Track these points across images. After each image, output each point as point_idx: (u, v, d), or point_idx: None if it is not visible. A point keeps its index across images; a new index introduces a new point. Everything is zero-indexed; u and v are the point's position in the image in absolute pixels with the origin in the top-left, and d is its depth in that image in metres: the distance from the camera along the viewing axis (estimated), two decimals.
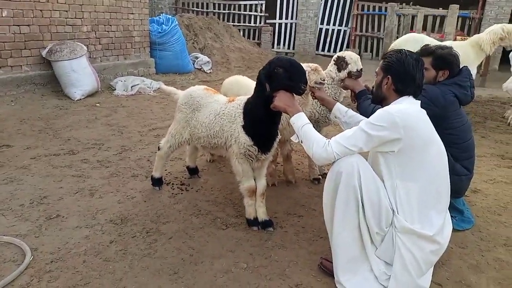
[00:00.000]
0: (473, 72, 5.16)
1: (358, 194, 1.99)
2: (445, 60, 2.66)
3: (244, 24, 14.25)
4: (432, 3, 12.19)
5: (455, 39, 8.50)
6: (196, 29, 10.71)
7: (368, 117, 2.10)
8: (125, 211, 2.87)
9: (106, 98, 6.53)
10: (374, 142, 1.97)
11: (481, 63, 7.34)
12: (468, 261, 2.43)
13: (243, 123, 2.55)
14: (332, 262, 2.14)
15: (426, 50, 2.70)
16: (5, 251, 2.34)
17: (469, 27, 12.62)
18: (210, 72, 9.53)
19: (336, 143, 2.03)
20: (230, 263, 2.32)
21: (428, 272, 2.09)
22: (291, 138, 2.32)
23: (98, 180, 3.37)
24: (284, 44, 14.46)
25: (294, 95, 2.35)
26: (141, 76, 7.96)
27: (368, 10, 13.43)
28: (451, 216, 2.27)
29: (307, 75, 2.55)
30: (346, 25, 13.81)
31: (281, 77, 2.31)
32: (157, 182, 3.25)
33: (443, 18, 10.32)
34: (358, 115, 2.55)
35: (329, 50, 13.97)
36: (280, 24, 14.34)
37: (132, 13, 8.00)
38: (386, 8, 11.94)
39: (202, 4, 14.51)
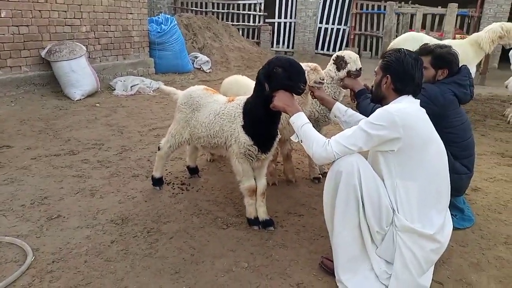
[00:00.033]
0: (473, 70, 5.18)
1: (358, 193, 1.99)
2: (444, 59, 2.66)
3: (243, 23, 14.25)
4: (431, 2, 12.19)
5: (454, 38, 8.51)
6: (195, 29, 10.71)
7: (367, 116, 2.11)
8: (126, 211, 2.88)
9: (105, 98, 6.53)
10: (374, 141, 1.98)
11: (481, 61, 7.34)
12: (469, 260, 2.44)
13: (242, 123, 2.55)
14: (332, 261, 2.15)
15: (425, 49, 2.71)
16: (6, 251, 2.34)
17: (468, 26, 12.64)
18: (209, 72, 9.53)
19: (336, 142, 2.03)
20: (231, 262, 2.32)
21: (429, 271, 2.09)
22: (291, 137, 2.32)
23: (99, 180, 3.37)
24: (283, 43, 14.47)
25: (294, 94, 2.36)
26: (141, 76, 7.96)
27: (367, 9, 13.43)
28: (452, 214, 2.28)
29: (306, 74, 2.56)
30: (345, 24, 13.81)
31: (280, 76, 2.32)
32: (157, 182, 3.26)
33: (442, 16, 10.32)
34: (358, 114, 2.55)
35: (328, 49, 13.98)
36: (279, 23, 14.35)
37: (131, 13, 8.00)
38: (385, 7, 11.93)
39: (201, 3, 14.51)
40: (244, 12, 14.23)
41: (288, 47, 14.40)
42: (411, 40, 5.64)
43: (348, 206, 2.02)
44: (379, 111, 2.01)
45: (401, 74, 2.08)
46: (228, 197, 3.17)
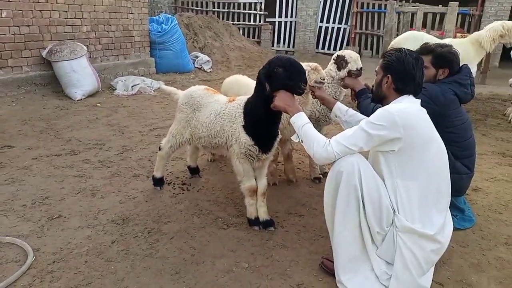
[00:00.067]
0: (473, 69, 5.16)
1: (359, 193, 1.99)
2: (445, 58, 2.66)
3: (244, 22, 14.24)
4: (432, 1, 12.17)
5: (455, 37, 8.49)
6: (195, 28, 10.71)
7: (368, 116, 2.10)
8: (126, 211, 2.88)
9: (106, 98, 6.53)
10: (374, 141, 1.98)
11: (481, 60, 7.32)
12: (469, 260, 2.43)
13: (243, 123, 2.55)
14: (333, 262, 2.15)
15: (425, 49, 2.70)
16: (7, 251, 2.35)
17: (469, 24, 12.61)
18: (210, 71, 9.53)
19: (337, 142, 2.03)
20: (231, 262, 2.32)
21: (429, 272, 2.09)
22: (291, 137, 2.32)
23: (100, 180, 3.38)
24: (284, 43, 14.46)
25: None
26: (142, 75, 7.96)
27: (368, 7, 13.41)
28: (452, 215, 2.27)
29: (307, 74, 2.55)
30: (346, 23, 13.80)
31: (281, 76, 2.31)
32: (158, 182, 3.26)
33: (442, 15, 10.30)
34: (359, 114, 2.55)
35: (329, 48, 13.98)
36: (279, 23, 14.34)
37: (131, 13, 8.00)
38: (385, 5, 11.89)
39: (202, 3, 14.50)
40: (244, 11, 14.22)
41: (288, 46, 14.39)
42: (412, 39, 5.63)
43: (348, 206, 2.01)
44: (379, 111, 2.01)
45: (402, 74, 2.07)
46: (228, 197, 3.17)
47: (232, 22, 13.50)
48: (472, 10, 12.25)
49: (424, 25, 9.71)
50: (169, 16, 9.13)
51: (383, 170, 2.04)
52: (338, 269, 2.10)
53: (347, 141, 2.01)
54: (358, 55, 3.11)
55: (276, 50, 14.00)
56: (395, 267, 2.01)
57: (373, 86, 2.32)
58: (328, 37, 13.95)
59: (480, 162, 4.00)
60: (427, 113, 2.09)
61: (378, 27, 13.22)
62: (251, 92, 2.58)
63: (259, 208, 2.71)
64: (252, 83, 2.72)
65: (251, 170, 2.65)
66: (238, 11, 14.23)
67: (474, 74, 3.12)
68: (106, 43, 7.50)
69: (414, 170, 1.99)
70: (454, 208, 2.71)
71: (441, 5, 10.60)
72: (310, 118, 2.42)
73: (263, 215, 2.70)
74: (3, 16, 5.69)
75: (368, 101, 2.60)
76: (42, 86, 6.31)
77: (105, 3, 7.33)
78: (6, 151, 3.93)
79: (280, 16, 14.27)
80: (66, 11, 6.59)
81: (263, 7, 14.06)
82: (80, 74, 6.19)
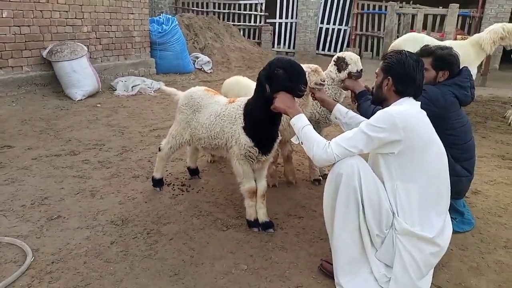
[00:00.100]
0: (474, 71, 5.16)
1: (359, 196, 1.99)
2: (445, 60, 2.66)
3: (244, 23, 14.25)
4: (432, 2, 12.18)
5: (455, 38, 8.49)
6: (196, 29, 10.71)
7: (368, 118, 2.10)
8: (126, 212, 2.88)
9: (107, 98, 6.53)
10: (374, 143, 1.98)
11: (482, 62, 7.33)
12: (468, 263, 2.43)
13: (243, 124, 2.55)
14: (332, 264, 2.15)
15: (426, 51, 2.70)
16: (6, 252, 2.35)
17: (469, 26, 12.62)
18: (210, 72, 9.53)
19: (336, 144, 2.03)
20: (230, 264, 2.32)
21: (428, 274, 2.09)
22: (291, 139, 2.32)
23: (99, 181, 3.37)
24: (284, 44, 14.47)
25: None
26: (142, 76, 7.97)
27: (368, 9, 13.43)
28: (451, 217, 2.27)
29: (307, 76, 2.55)
30: (346, 24, 13.81)
31: (281, 78, 2.31)
32: (158, 183, 3.26)
33: (443, 17, 10.30)
34: (359, 116, 2.55)
35: (329, 50, 13.99)
36: (280, 24, 14.35)
37: (132, 13, 8.00)
38: (386, 7, 11.91)
39: (202, 3, 14.51)
40: (245, 12, 14.23)
41: (289, 47, 14.40)
42: (412, 41, 5.64)
43: (348, 208, 2.01)
44: (379, 113, 2.01)
45: (403, 76, 2.07)
46: (228, 198, 3.17)
47: (232, 23, 13.52)
48: (473, 12, 12.26)
49: (424, 27, 9.73)
50: (170, 16, 9.13)
51: (382, 172, 2.04)
52: (337, 272, 2.09)
53: (347, 143, 2.01)
54: (359, 57, 3.11)
55: (277, 51, 14.00)
56: (394, 269, 2.01)
57: (373, 88, 2.32)
58: (329, 38, 13.96)
59: (479, 164, 4.00)
60: (427, 115, 2.09)
61: (379, 29, 13.23)
62: (251, 93, 2.58)
63: (258, 209, 2.71)
64: (252, 85, 2.72)
65: (251, 172, 2.65)
66: (239, 12, 14.24)
67: (474, 76, 3.13)
68: (106, 43, 7.50)
69: (414, 173, 1.99)
70: (454, 211, 2.71)
71: (441, 7, 10.62)
72: (310, 119, 2.42)
73: (263, 216, 2.70)
74: (3, 16, 5.69)
75: (368, 103, 2.60)
76: (42, 86, 6.31)
77: (105, 4, 7.34)
78: (6, 151, 3.93)
79: (280, 17, 14.27)
80: (66, 11, 6.60)
81: (263, 8, 14.07)
82: (80, 74, 6.19)
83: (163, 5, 14.40)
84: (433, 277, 2.15)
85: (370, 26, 13.48)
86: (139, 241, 2.52)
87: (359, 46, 13.56)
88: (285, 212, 2.99)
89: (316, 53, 13.90)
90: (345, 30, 13.85)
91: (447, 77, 2.67)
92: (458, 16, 9.82)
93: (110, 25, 7.53)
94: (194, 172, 3.54)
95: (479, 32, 6.08)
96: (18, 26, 5.91)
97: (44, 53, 6.21)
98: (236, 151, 2.58)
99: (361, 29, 13.61)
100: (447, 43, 5.06)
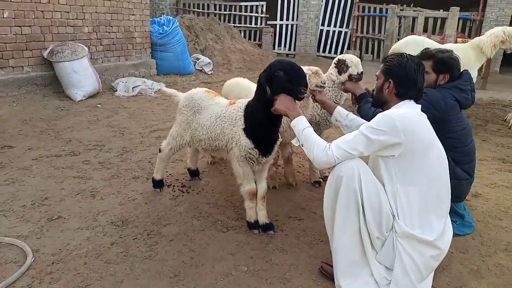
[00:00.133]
0: (474, 74, 5.16)
1: (359, 198, 1.99)
2: (446, 63, 2.66)
3: (245, 25, 14.28)
4: (433, 5, 12.21)
5: (456, 42, 8.51)
6: (197, 30, 10.73)
7: (368, 120, 2.11)
8: (126, 213, 2.88)
9: (107, 99, 6.54)
10: (375, 146, 1.98)
11: (482, 65, 7.33)
12: (469, 266, 2.43)
13: (244, 126, 2.56)
14: (332, 266, 2.15)
15: (426, 54, 2.71)
16: (6, 252, 2.35)
17: (470, 29, 12.65)
18: (211, 73, 9.54)
19: (337, 147, 2.03)
20: (230, 266, 2.32)
21: (429, 277, 2.09)
22: (291, 141, 2.33)
23: (99, 182, 3.37)
24: (285, 46, 14.49)
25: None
26: (142, 77, 7.97)
27: (369, 11, 13.46)
28: (452, 220, 2.27)
29: (307, 78, 2.56)
30: (347, 27, 13.83)
31: (282, 80, 2.32)
32: (158, 184, 3.26)
33: (443, 20, 10.31)
34: (359, 118, 2.55)
35: (330, 52, 14.01)
36: (281, 26, 14.37)
37: (133, 14, 8.01)
38: (386, 10, 11.96)
39: (203, 5, 14.54)
40: (246, 14, 14.26)
41: (289, 49, 14.42)
42: (413, 44, 5.64)
43: (348, 211, 2.01)
44: (380, 115, 2.01)
45: (404, 79, 2.08)
46: (228, 200, 3.17)
47: (233, 25, 13.54)
48: (473, 15, 12.29)
49: (425, 30, 9.74)
50: (171, 18, 9.14)
51: (383, 175, 2.04)
52: (337, 274, 2.09)
53: (347, 146, 2.01)
54: (359, 59, 3.12)
55: (277, 53, 14.03)
56: (395, 272, 2.01)
57: (373, 90, 2.33)
58: (329, 40, 13.99)
59: (480, 168, 4.00)
60: (428, 118, 2.09)
61: (379, 31, 13.25)
62: (251, 95, 2.59)
63: (258, 211, 2.71)
64: (253, 86, 2.73)
65: (251, 173, 2.65)
66: (240, 13, 14.26)
67: (474, 80, 3.13)
68: (107, 44, 7.51)
69: (414, 176, 1.99)
70: (454, 214, 2.71)
71: (442, 10, 10.65)
72: (310, 122, 2.42)
73: (263, 218, 2.70)
74: (4, 16, 5.70)
75: (368, 105, 2.60)
76: (43, 86, 6.31)
77: (106, 4, 7.35)
78: (6, 151, 3.93)
79: (281, 19, 14.30)
80: (67, 12, 6.61)
81: (264, 10, 14.10)
82: (81, 75, 6.20)
83: (164, 6, 14.42)
84: (433, 280, 2.15)
85: (371, 28, 13.51)
86: (139, 242, 2.52)
87: (359, 49, 13.58)
88: (285, 214, 2.99)
89: (317, 55, 13.92)
90: (345, 33, 13.87)
91: (448, 80, 2.68)
92: (459, 19, 9.85)
93: (111, 26, 7.54)
94: (194, 173, 3.54)
95: (479, 35, 6.08)
96: (19, 26, 5.92)
97: (45, 54, 6.21)
98: (236, 152, 2.59)
99: (362, 32, 13.63)
100: (447, 46, 5.08)
